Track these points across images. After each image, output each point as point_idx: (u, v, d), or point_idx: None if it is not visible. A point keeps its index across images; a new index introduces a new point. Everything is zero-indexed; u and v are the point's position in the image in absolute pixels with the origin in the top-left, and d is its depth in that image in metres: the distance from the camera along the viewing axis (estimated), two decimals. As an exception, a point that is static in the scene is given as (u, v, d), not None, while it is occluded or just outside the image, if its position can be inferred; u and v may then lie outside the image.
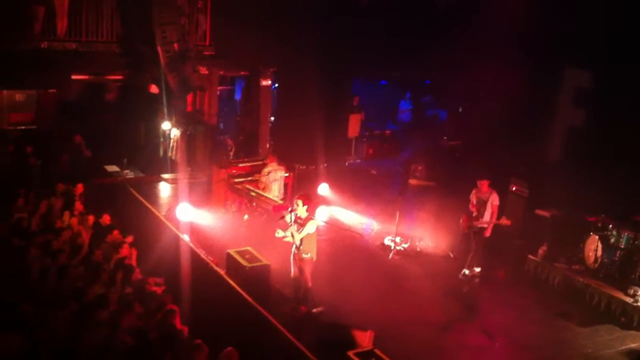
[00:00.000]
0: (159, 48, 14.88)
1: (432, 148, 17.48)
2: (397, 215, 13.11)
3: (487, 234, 12.02)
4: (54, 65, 14.55)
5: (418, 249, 13.20)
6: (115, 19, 15.30)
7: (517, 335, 10.32)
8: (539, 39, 14.02)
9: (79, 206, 12.30)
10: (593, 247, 11.66)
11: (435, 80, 19.90)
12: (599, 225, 11.82)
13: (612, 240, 11.56)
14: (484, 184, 12.12)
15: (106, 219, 11.58)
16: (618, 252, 11.45)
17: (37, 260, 9.80)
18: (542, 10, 13.95)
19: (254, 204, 13.87)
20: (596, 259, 11.58)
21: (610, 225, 11.68)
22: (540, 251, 12.47)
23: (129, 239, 10.91)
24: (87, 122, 16.40)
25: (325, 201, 14.83)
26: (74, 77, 15.73)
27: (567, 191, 13.48)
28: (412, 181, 15.76)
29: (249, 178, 14.36)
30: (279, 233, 10.40)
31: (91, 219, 11.71)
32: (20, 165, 14.24)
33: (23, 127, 16.68)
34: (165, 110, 15.89)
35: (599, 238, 11.59)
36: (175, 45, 14.97)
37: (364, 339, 8.96)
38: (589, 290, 11.39)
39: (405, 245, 13.18)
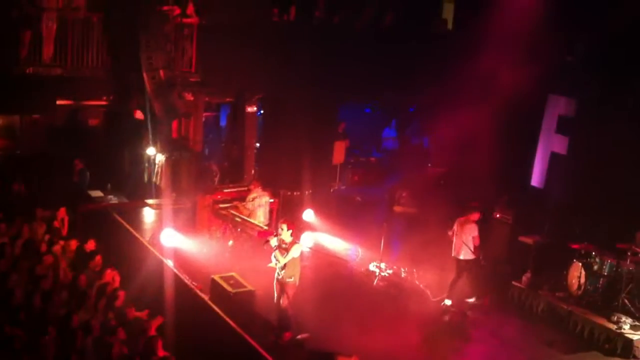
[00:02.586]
0: (144, 74, 14.87)
1: (416, 175, 17.55)
2: (382, 241, 13.13)
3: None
4: (38, 90, 14.47)
5: (403, 275, 13.20)
6: (102, 45, 15.29)
7: (501, 362, 10.33)
8: (523, 67, 14.20)
9: (61, 232, 12.22)
10: (577, 274, 11.73)
11: (420, 108, 20.05)
12: (583, 252, 11.91)
13: (596, 267, 11.65)
14: (475, 216, 12.15)
15: (91, 244, 11.49)
16: (601, 279, 11.53)
17: (21, 286, 9.71)
18: (528, 37, 14.15)
19: (239, 229, 13.83)
20: (580, 286, 11.64)
21: (594, 253, 11.78)
22: (524, 278, 12.52)
23: (111, 265, 10.84)
24: (71, 148, 16.34)
25: (310, 227, 14.82)
26: (59, 102, 15.65)
27: (551, 218, 13.60)
28: (397, 208, 15.81)
29: (234, 204, 14.35)
30: (272, 262, 10.41)
31: (74, 244, 11.62)
32: (3, 190, 14.11)
33: (7, 153, 16.60)
34: (150, 136, 15.83)
35: (583, 265, 11.66)
36: (161, 71, 14.97)
37: (349, 365, 8.92)
38: (573, 317, 11.44)
39: (390, 272, 13.18)
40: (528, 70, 14.27)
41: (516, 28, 14.38)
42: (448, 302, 12.16)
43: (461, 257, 12.16)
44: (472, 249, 12.05)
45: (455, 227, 12.26)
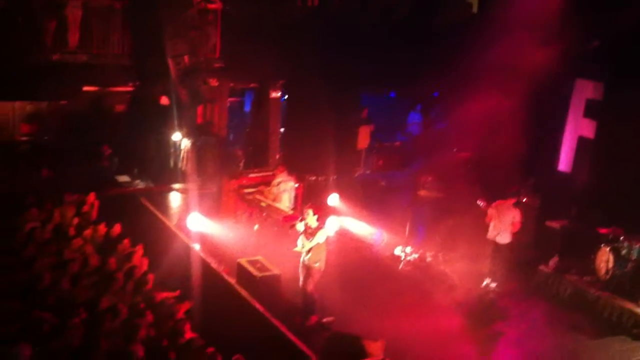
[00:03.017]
0: (169, 60, 14.96)
1: (441, 160, 17.46)
2: (407, 226, 13.11)
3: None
4: (64, 77, 14.61)
5: (428, 260, 13.17)
6: (126, 31, 15.38)
7: (528, 347, 10.28)
8: (550, 49, 14.01)
9: (90, 216, 12.36)
10: (604, 258, 11.61)
11: (445, 92, 19.91)
12: (610, 237, 11.78)
13: (624, 252, 11.51)
14: (514, 200, 12.26)
15: (117, 228, 11.61)
16: (629, 263, 11.39)
17: (48, 269, 9.84)
18: (555, 20, 13.94)
19: (264, 214, 13.90)
20: (607, 270, 11.53)
21: (622, 237, 11.64)
22: (551, 263, 12.44)
23: (139, 248, 10.94)
24: (97, 134, 16.50)
25: (335, 212, 14.84)
26: (84, 89, 15.81)
27: (578, 203, 13.47)
28: (422, 192, 15.75)
29: (259, 188, 14.42)
30: (298, 247, 10.45)
31: (102, 228, 11.76)
32: (32, 176, 14.31)
33: (34, 139, 16.81)
34: (176, 121, 15.95)
35: (610, 250, 11.55)
36: (186, 57, 15.06)
37: (375, 349, 8.94)
38: (601, 302, 11.35)
39: (416, 256, 13.16)
40: (555, 53, 14.08)
41: (542, 11, 14.18)
42: (493, 284, 12.18)
43: (499, 240, 12.19)
44: (511, 232, 12.09)
45: (492, 211, 12.26)
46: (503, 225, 12.13)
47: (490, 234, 12.30)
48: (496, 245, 12.30)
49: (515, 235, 12.21)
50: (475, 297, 11.89)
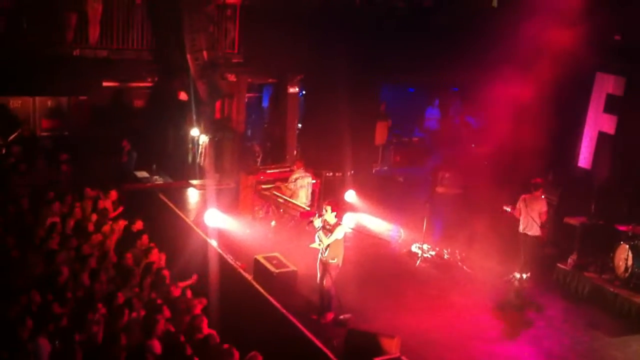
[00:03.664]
0: (188, 55, 15.02)
1: (460, 155, 17.38)
2: (425, 222, 13.08)
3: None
4: (85, 72, 14.73)
5: (445, 257, 13.14)
6: (146, 26, 15.46)
7: (546, 345, 10.23)
8: (571, 43, 13.87)
9: (110, 211, 12.47)
10: (623, 256, 11.51)
11: (464, 87, 19.80)
12: (630, 234, 11.67)
13: (643, 249, 11.41)
14: (540, 192, 12.22)
15: (139, 224, 11.71)
16: (649, 261, 11.29)
17: (67, 264, 9.95)
18: (577, 13, 13.80)
19: (282, 210, 13.93)
20: (626, 268, 11.43)
21: (641, 234, 11.53)
22: (570, 260, 12.36)
23: (156, 244, 11.05)
24: (117, 128, 16.61)
25: (352, 208, 14.84)
26: (104, 83, 15.92)
27: (597, 199, 13.35)
28: (440, 189, 15.68)
29: (276, 184, 14.45)
30: (315, 243, 10.47)
31: (122, 224, 11.86)
32: (53, 170, 14.46)
33: (55, 133, 16.97)
34: (194, 117, 16.02)
35: (630, 247, 11.44)
36: (205, 52, 15.10)
37: (391, 345, 8.94)
38: (619, 300, 11.26)
39: (433, 253, 13.14)
40: (576, 47, 13.94)
41: (563, 4, 14.04)
42: (524, 275, 12.22)
43: (529, 233, 12.18)
44: (540, 225, 12.10)
45: (520, 205, 12.25)
46: (532, 217, 12.12)
47: (522, 227, 12.27)
48: (525, 238, 12.28)
49: (543, 226, 12.19)
50: (493, 293, 11.81)
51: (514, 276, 12.27)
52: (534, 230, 12.16)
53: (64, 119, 17.24)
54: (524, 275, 12.27)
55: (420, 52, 16.62)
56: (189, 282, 10.32)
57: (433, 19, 17.36)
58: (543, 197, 12.31)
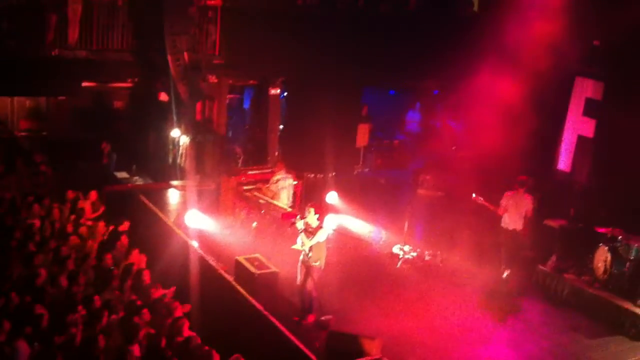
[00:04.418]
0: (169, 57, 14.93)
1: (440, 158, 17.46)
2: (406, 224, 13.12)
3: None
4: (64, 72, 14.59)
5: (427, 258, 13.18)
6: (127, 27, 15.36)
7: (525, 347, 10.30)
8: (550, 48, 14.02)
9: (89, 213, 12.36)
10: (602, 258, 11.62)
11: (445, 90, 19.91)
12: (609, 236, 11.78)
13: (622, 251, 11.51)
14: (525, 189, 12.33)
15: (125, 225, 11.63)
16: (628, 263, 11.39)
17: (46, 266, 9.85)
18: (555, 20, 13.94)
19: (263, 211, 13.89)
20: (606, 270, 11.53)
21: (620, 237, 11.63)
22: (550, 262, 12.44)
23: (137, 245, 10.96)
24: (96, 129, 16.50)
25: (333, 210, 14.83)
26: (84, 84, 15.79)
27: (577, 202, 13.47)
28: (421, 191, 15.76)
29: (257, 186, 14.42)
30: (297, 245, 10.45)
31: (101, 225, 11.76)
32: (32, 172, 14.31)
33: (33, 134, 16.81)
34: (175, 118, 15.94)
35: (609, 249, 11.55)
36: (185, 54, 15.03)
37: (372, 347, 8.95)
38: (599, 302, 11.35)
39: (414, 254, 13.17)
40: (555, 52, 14.10)
41: (542, 10, 14.18)
42: (506, 272, 12.32)
43: (512, 228, 12.28)
44: (525, 220, 12.21)
45: (506, 202, 12.32)
46: (518, 214, 12.25)
47: (506, 224, 12.37)
48: (511, 234, 12.37)
49: (529, 222, 12.31)
50: (472, 295, 11.85)
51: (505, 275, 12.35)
52: (518, 226, 12.26)
53: (43, 120, 17.09)
54: (505, 273, 12.34)
55: (402, 56, 16.68)
56: (166, 291, 10.18)
57: (415, 23, 17.43)
58: (528, 194, 12.39)
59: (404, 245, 13.17)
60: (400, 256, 13.02)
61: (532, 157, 14.92)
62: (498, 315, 11.08)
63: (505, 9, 14.82)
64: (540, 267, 12.51)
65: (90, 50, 14.94)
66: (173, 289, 9.99)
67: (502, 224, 12.42)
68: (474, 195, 12.67)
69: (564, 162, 15.25)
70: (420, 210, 14.68)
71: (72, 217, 12.05)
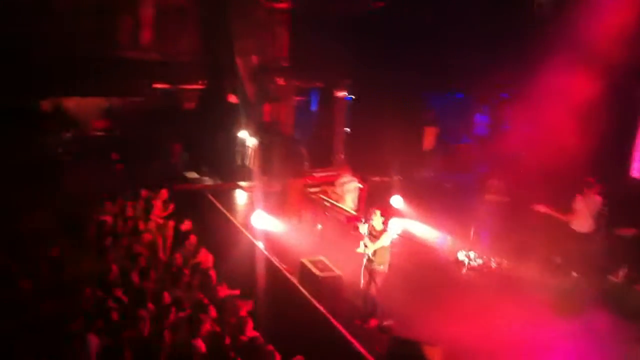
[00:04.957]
0: (237, 59, 15.20)
1: (509, 163, 17.15)
2: (472, 230, 12.96)
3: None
4: (136, 74, 15.04)
5: (492, 266, 13.00)
6: (197, 30, 15.70)
7: (592, 358, 10.01)
8: (625, 44, 13.60)
9: (160, 211, 12.68)
10: (676, 269, 11.24)
11: (513, 93, 19.56)
12: (682, 247, 11.39)
13: (694, 263, 11.12)
14: (595, 189, 12.33)
15: (187, 225, 11.89)
16: (701, 275, 10.99)
17: (118, 262, 10.17)
18: (630, 13, 13.53)
19: (328, 214, 13.97)
20: (679, 282, 11.15)
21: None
22: (621, 272, 12.08)
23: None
24: (167, 130, 16.89)
25: (398, 214, 14.78)
26: (155, 85, 16.22)
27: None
28: (488, 196, 15.52)
29: (323, 188, 14.51)
30: (360, 248, 10.47)
31: (171, 224, 12.06)
32: (106, 170, 14.77)
33: (107, 134, 17.35)
34: (243, 119, 16.20)
35: (683, 261, 11.17)
36: (254, 56, 15.27)
37: (434, 354, 8.89)
38: (670, 315, 10.98)
39: (480, 261, 13.01)
40: (629, 49, 13.67)
41: (615, 4, 13.79)
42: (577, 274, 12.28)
43: (585, 230, 12.28)
44: (597, 222, 12.26)
45: (577, 205, 12.32)
46: (590, 216, 12.26)
47: (577, 227, 12.35)
48: (583, 237, 12.32)
49: (602, 223, 12.35)
50: (539, 305, 11.62)
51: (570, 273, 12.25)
52: (589, 229, 12.25)
53: (116, 120, 17.61)
54: (576, 275, 12.24)
55: (470, 59, 16.48)
56: (232, 292, 10.37)
57: (482, 26, 17.19)
58: (598, 195, 12.35)
59: (469, 252, 13.02)
60: (466, 263, 12.88)
61: (604, 162, 14.49)
62: (556, 330, 10.80)
63: (576, 5, 14.46)
64: (611, 277, 12.16)
65: (161, 52, 15.35)
66: (238, 291, 10.18)
67: (574, 227, 12.37)
68: (537, 205, 12.61)
69: (638, 169, 14.76)
70: (487, 215, 14.45)
71: (144, 215, 12.40)
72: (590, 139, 14.04)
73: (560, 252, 12.76)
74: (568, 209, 12.34)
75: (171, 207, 13.04)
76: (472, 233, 12.94)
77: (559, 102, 14.70)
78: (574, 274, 12.21)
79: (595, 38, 14.10)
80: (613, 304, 11.80)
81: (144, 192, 13.08)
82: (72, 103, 16.96)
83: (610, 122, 14.29)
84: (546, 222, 12.99)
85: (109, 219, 11.77)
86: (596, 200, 12.28)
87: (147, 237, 11.39)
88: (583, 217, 12.26)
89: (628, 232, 12.84)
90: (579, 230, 12.29)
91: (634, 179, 14.68)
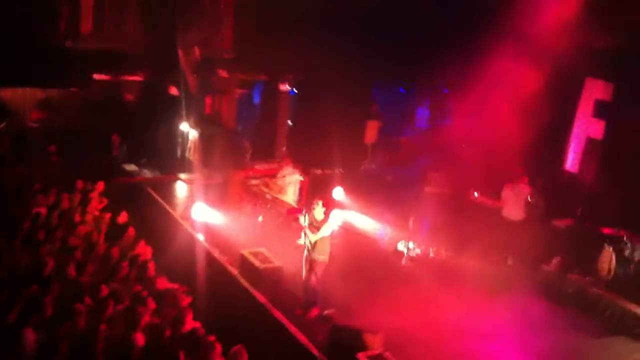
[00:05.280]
0: (180, 51, 15.03)
1: (449, 155, 17.43)
2: (412, 221, 13.15)
3: None
4: (76, 64, 14.71)
5: (431, 255, 13.21)
6: (138, 21, 15.45)
7: (529, 345, 10.27)
8: (561, 48, 13.99)
9: (96, 204, 12.46)
10: (607, 259, 11.62)
11: (454, 88, 19.88)
12: (614, 237, 11.78)
13: (627, 252, 11.54)
14: (524, 179, 13.13)
15: (123, 216, 11.71)
16: (632, 264, 11.42)
17: (53, 256, 9.94)
18: (567, 19, 13.90)
19: (269, 206, 13.96)
20: (610, 270, 11.54)
21: (625, 238, 11.64)
22: (554, 262, 12.43)
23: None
24: (107, 122, 16.59)
25: (340, 205, 14.87)
26: (95, 77, 15.91)
27: (583, 203, 13.46)
28: (428, 188, 15.75)
29: (264, 180, 14.49)
30: (301, 239, 10.49)
31: (108, 216, 11.86)
32: (42, 162, 14.43)
33: (45, 125, 16.93)
34: (185, 111, 16.04)
35: (613, 250, 11.55)
36: (196, 48, 15.12)
37: (375, 341, 8.99)
38: (602, 302, 11.33)
39: (419, 251, 13.20)
40: (565, 52, 14.05)
41: (555, 10, 14.13)
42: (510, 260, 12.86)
43: (514, 218, 13.01)
44: (525, 210, 13.00)
45: (507, 193, 13.10)
46: (519, 204, 13.01)
47: (508, 213, 13.12)
48: (512, 223, 13.01)
49: (528, 211, 13.06)
50: (475, 292, 11.86)
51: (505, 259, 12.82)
52: (519, 216, 13.01)
53: (54, 111, 17.20)
54: (510, 260, 12.77)
55: (412, 53, 16.68)
56: (171, 285, 10.25)
57: (426, 21, 17.40)
58: (526, 185, 13.15)
59: (408, 242, 13.20)
60: (405, 253, 13.05)
61: (540, 156, 14.90)
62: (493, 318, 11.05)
63: (519, 6, 14.77)
64: (545, 266, 12.50)
65: (102, 42, 15.06)
66: (177, 285, 10.08)
67: (504, 215, 13.12)
68: (475, 194, 13.30)
69: (572, 163, 15.20)
70: (427, 207, 14.67)
71: (80, 207, 12.15)
72: (528, 132, 14.40)
73: (496, 241, 13.08)
74: (497, 199, 13.08)
75: (106, 199, 12.81)
76: (411, 224, 13.12)
77: (498, 96, 15.01)
78: (509, 260, 12.68)
79: (535, 32, 14.45)
80: (548, 292, 12.17)
81: (79, 184, 12.80)
82: (7, 93, 16.49)
83: (547, 115, 14.66)
84: (483, 212, 13.35)
85: (43, 211, 11.49)
86: (524, 189, 13.02)
87: (83, 229, 11.16)
88: (512, 205, 13.03)
89: (562, 222, 13.22)
90: (508, 218, 13.01)
91: (568, 171, 15.12)
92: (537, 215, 13.75)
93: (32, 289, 8.78)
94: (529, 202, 13.05)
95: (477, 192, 13.33)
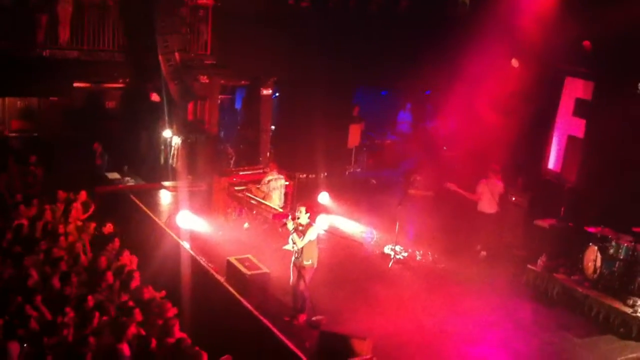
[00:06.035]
0: (160, 57, 14.93)
1: (431, 158, 17.50)
2: (397, 224, 13.16)
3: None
4: (56, 73, 14.58)
5: (418, 258, 13.24)
6: (118, 27, 15.35)
7: (515, 346, 10.32)
8: (541, 48, 14.09)
9: (79, 213, 12.35)
10: (592, 257, 11.66)
11: (435, 91, 19.96)
12: (599, 236, 11.82)
13: (612, 251, 11.55)
14: (498, 176, 13.53)
15: (109, 227, 11.61)
16: (617, 263, 11.43)
17: (37, 267, 9.84)
18: (546, 18, 14.00)
19: (254, 212, 13.91)
20: (595, 269, 11.58)
21: (610, 236, 11.67)
22: (540, 262, 12.47)
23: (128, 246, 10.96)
24: (88, 130, 16.47)
25: (325, 210, 14.86)
26: (75, 84, 15.77)
27: (567, 201, 13.53)
28: (412, 191, 15.79)
29: (249, 186, 14.43)
30: (288, 245, 10.45)
31: (92, 226, 11.76)
32: (23, 172, 14.28)
33: (25, 135, 16.77)
34: (167, 118, 15.94)
35: (599, 249, 11.59)
36: (177, 54, 15.03)
37: (363, 347, 8.97)
38: (588, 301, 11.39)
39: (405, 255, 13.22)
40: (545, 52, 14.14)
41: (533, 10, 14.23)
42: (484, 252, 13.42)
43: (489, 211, 13.46)
44: (498, 203, 13.46)
45: (482, 188, 13.48)
46: (493, 199, 13.44)
47: (482, 207, 13.50)
48: (487, 217, 13.49)
49: (501, 205, 13.57)
50: (462, 294, 11.89)
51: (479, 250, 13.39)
52: (493, 208, 13.44)
53: (35, 120, 17.05)
54: (483, 253, 13.35)
55: (393, 56, 16.73)
56: (157, 294, 10.18)
57: (406, 23, 17.47)
58: (500, 181, 13.54)
59: (395, 246, 13.21)
60: (392, 256, 13.06)
61: (522, 156, 15.01)
62: (480, 320, 11.09)
63: (496, 8, 14.85)
64: (530, 266, 12.55)
65: (82, 50, 14.94)
66: (164, 293, 10.02)
67: (480, 209, 13.52)
68: (448, 184, 13.81)
69: (554, 162, 15.29)
70: (411, 210, 14.70)
71: (63, 217, 12.04)
72: (510, 132, 14.50)
73: (480, 240, 13.58)
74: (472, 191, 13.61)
75: (92, 209, 12.73)
76: (397, 227, 13.13)
77: (480, 100, 15.09)
78: (483, 252, 13.32)
79: (515, 34, 14.57)
80: (534, 292, 12.22)
81: (61, 194, 12.67)
82: (-14, 103, 16.36)
83: (528, 115, 14.76)
84: (466, 214, 13.48)
85: (25, 222, 11.37)
86: (498, 184, 13.47)
87: (66, 240, 11.05)
88: (487, 199, 13.43)
89: (546, 222, 13.28)
90: (483, 211, 13.47)
91: (550, 170, 15.21)
92: (510, 209, 13.92)
93: (16, 300, 8.70)
94: (504, 197, 13.56)
95: (451, 183, 13.82)
